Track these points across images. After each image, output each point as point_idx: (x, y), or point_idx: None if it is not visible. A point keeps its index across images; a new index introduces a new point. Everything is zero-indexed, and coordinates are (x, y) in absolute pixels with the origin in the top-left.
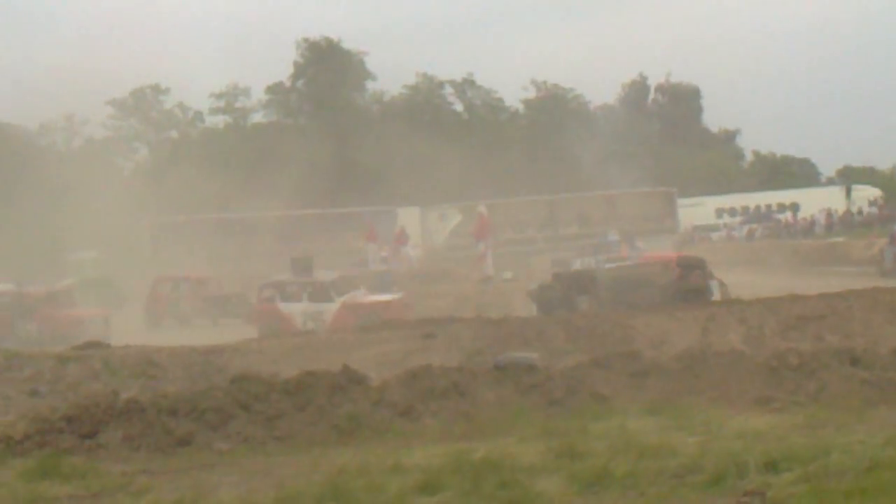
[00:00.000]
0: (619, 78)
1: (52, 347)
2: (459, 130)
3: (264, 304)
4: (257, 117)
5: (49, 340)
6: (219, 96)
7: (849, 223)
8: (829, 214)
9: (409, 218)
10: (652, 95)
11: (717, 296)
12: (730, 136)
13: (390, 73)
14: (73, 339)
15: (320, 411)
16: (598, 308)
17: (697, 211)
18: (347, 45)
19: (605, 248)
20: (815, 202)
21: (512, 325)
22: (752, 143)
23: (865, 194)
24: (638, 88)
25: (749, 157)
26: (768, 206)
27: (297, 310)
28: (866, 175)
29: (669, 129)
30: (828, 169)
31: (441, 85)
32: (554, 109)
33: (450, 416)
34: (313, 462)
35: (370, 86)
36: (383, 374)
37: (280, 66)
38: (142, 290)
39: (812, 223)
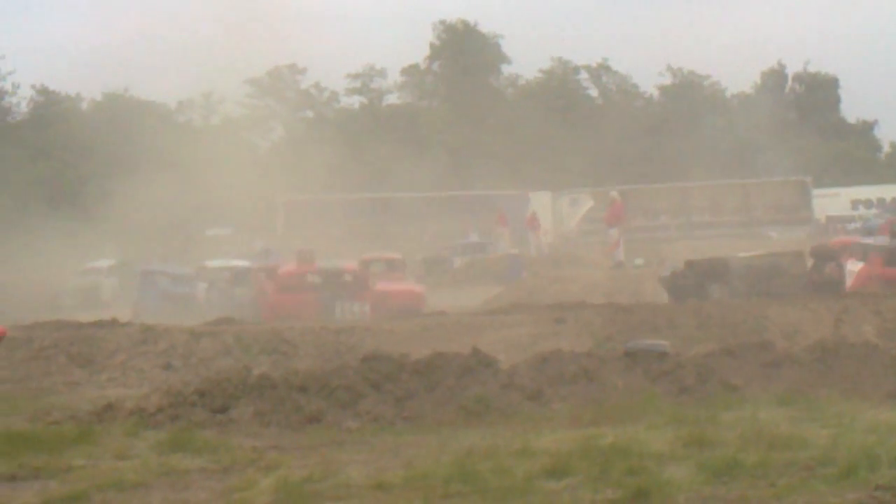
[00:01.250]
0: (757, 66)
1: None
2: (593, 116)
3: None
4: (392, 99)
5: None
6: (355, 77)
7: None
8: None
9: (540, 203)
10: (789, 84)
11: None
12: (867, 127)
13: (525, 57)
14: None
15: (449, 392)
16: (730, 297)
17: (832, 202)
18: (483, 28)
19: None
20: None
21: (643, 312)
22: (890, 134)
23: None
24: (775, 77)
25: (886, 148)
26: None
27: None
28: None
29: (806, 119)
30: None
31: (576, 70)
32: (689, 96)
33: (579, 401)
34: (441, 443)
35: (505, 69)
36: (513, 357)
37: (416, 48)
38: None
39: None
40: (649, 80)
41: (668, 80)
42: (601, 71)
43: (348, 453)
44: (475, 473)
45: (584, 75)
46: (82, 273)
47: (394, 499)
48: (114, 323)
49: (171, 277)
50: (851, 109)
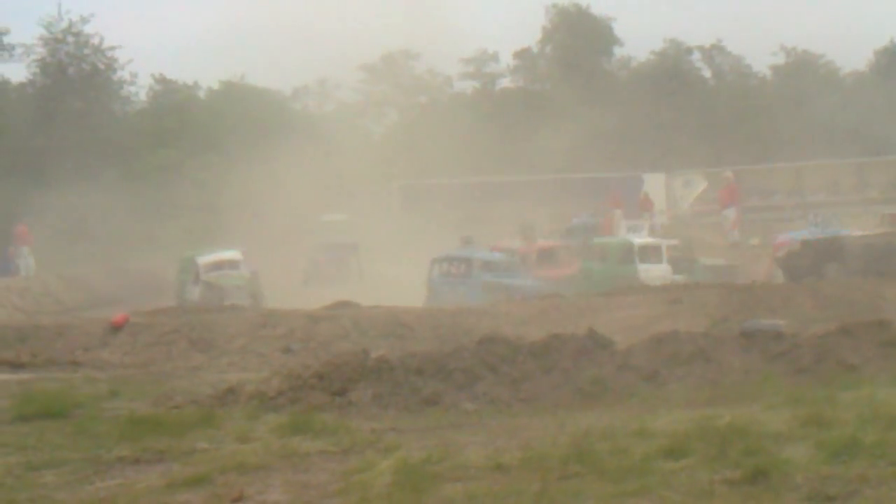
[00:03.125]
0: (871, 44)
1: None
2: (706, 97)
3: None
4: (505, 82)
5: None
6: (468, 61)
7: None
8: None
9: (654, 184)
10: None
11: None
12: None
13: (638, 38)
14: None
15: (565, 374)
16: (847, 276)
17: None
18: (595, 10)
19: None
20: None
21: (759, 292)
22: None
23: None
24: (890, 55)
25: None
26: None
27: None
28: None
29: None
30: None
31: (689, 51)
32: (803, 76)
33: (695, 381)
34: (558, 424)
35: (617, 51)
36: (629, 338)
37: (528, 32)
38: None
39: None
40: (763, 60)
41: (781, 60)
42: (714, 51)
43: (466, 435)
44: (592, 454)
45: (696, 56)
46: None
47: (512, 480)
48: (233, 308)
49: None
50: None
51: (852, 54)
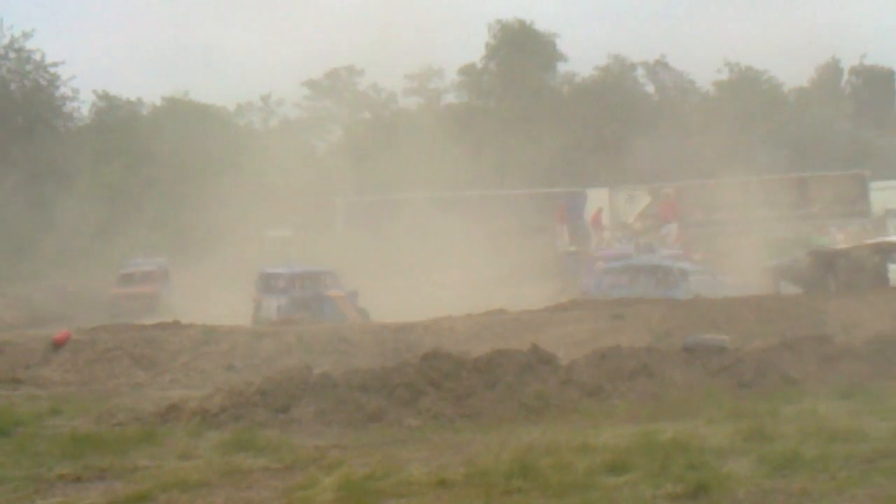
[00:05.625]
0: (812, 61)
1: None
2: (650, 112)
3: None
4: (449, 98)
5: None
6: (412, 77)
7: None
8: None
9: (597, 199)
10: (845, 78)
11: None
12: None
13: (581, 54)
14: None
15: (509, 389)
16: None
17: (890, 195)
18: (539, 26)
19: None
20: None
21: (701, 307)
22: None
23: None
24: (831, 71)
25: None
26: None
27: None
28: None
29: (863, 112)
30: None
31: (633, 67)
32: (746, 91)
33: (638, 396)
34: (502, 439)
35: (561, 67)
36: (572, 353)
37: (473, 48)
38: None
39: None
40: (706, 76)
41: (724, 76)
42: (657, 67)
43: (409, 451)
44: (535, 469)
45: (640, 72)
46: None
47: (455, 496)
48: (176, 325)
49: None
50: None
51: (795, 70)
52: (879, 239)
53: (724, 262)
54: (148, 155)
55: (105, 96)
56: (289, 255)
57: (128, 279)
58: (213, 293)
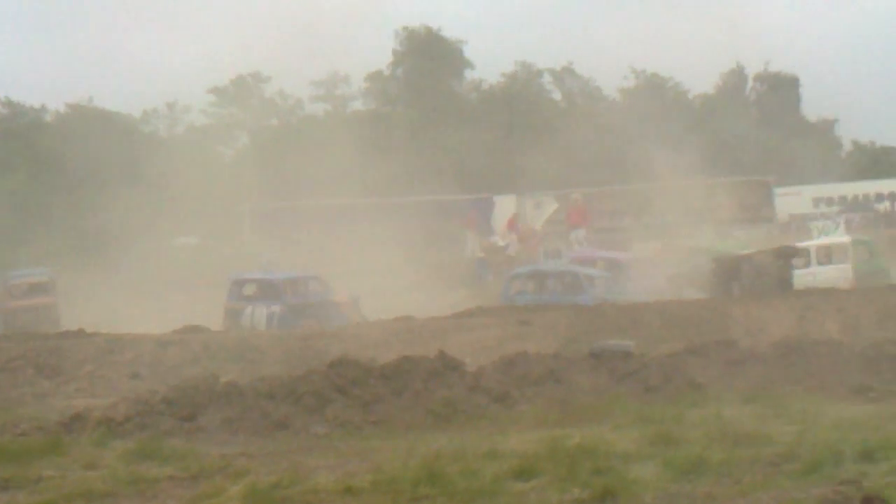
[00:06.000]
0: (718, 67)
1: None
2: (557, 119)
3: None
4: (357, 105)
5: None
6: (319, 84)
7: None
8: None
9: (505, 206)
10: (750, 85)
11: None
12: (828, 126)
13: (488, 61)
14: None
15: (417, 396)
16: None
17: (794, 200)
18: (446, 33)
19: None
20: None
21: (607, 313)
22: (851, 132)
23: None
24: (736, 77)
25: (848, 146)
26: (866, 196)
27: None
28: None
29: (767, 118)
30: None
31: (539, 73)
32: (652, 98)
33: (545, 402)
34: (409, 446)
35: (468, 74)
36: (479, 360)
37: (379, 55)
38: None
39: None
40: (613, 83)
41: (631, 83)
42: (564, 74)
43: (316, 459)
44: (443, 476)
45: (547, 78)
46: None
47: (362, 503)
48: (80, 333)
49: None
50: (812, 108)
51: (700, 77)
52: (782, 244)
53: (631, 268)
54: (52, 162)
55: (8, 103)
56: (264, 260)
57: (19, 290)
58: (118, 301)
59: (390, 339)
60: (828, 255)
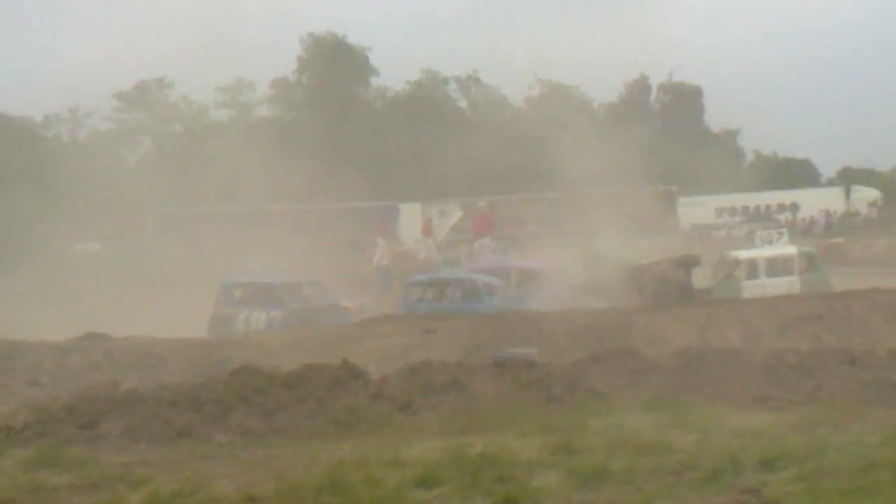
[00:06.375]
0: (622, 76)
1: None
2: (462, 127)
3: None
4: (261, 111)
5: None
6: (223, 90)
7: (848, 224)
8: (829, 215)
9: (410, 214)
10: (654, 94)
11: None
12: (731, 136)
13: (394, 69)
14: None
15: (319, 404)
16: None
17: (697, 210)
18: (352, 40)
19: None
20: (815, 203)
21: (511, 321)
22: (753, 143)
23: (865, 195)
24: (640, 87)
25: (750, 156)
26: (768, 206)
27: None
28: (866, 176)
29: (671, 128)
30: (828, 170)
31: (445, 81)
32: (557, 107)
33: (449, 410)
34: (312, 455)
35: (374, 81)
36: (383, 368)
37: (285, 61)
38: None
39: (811, 223)
40: (518, 92)
41: (536, 91)
42: (470, 82)
43: (218, 467)
44: (346, 485)
45: (452, 87)
46: None
47: None
48: None
49: None
50: (715, 118)
51: (604, 87)
52: (684, 253)
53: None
54: None
55: None
56: (255, 264)
57: None
58: (18, 308)
59: (293, 346)
60: (774, 267)
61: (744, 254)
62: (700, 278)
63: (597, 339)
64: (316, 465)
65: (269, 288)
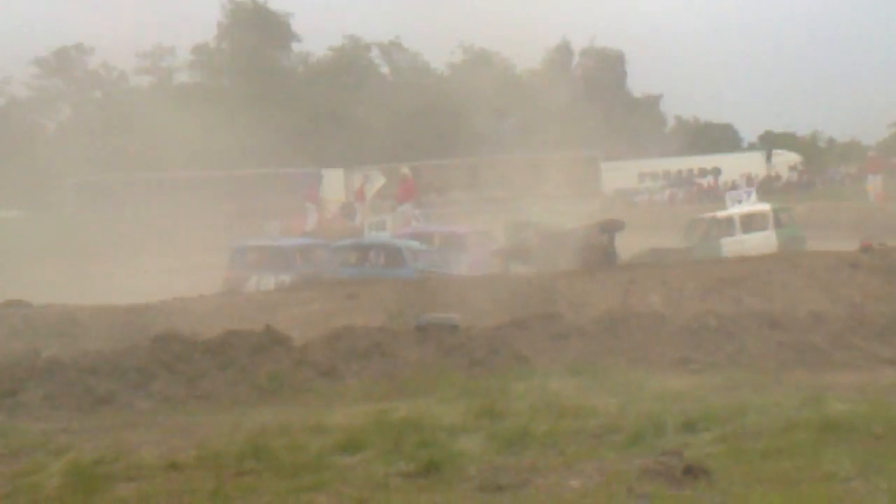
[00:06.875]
0: (545, 42)
1: None
2: (385, 93)
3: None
4: (182, 78)
5: None
6: (144, 56)
7: (769, 188)
8: (750, 179)
9: (333, 180)
10: (576, 60)
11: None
12: (653, 101)
13: (316, 34)
14: None
15: (242, 371)
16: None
17: (620, 175)
18: (273, 6)
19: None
20: (736, 167)
21: (434, 287)
22: (675, 108)
23: (785, 159)
24: (562, 53)
25: (672, 121)
26: (690, 171)
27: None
28: (786, 141)
29: (593, 94)
30: (749, 134)
31: (368, 47)
32: (480, 73)
33: (372, 375)
34: (235, 421)
35: (295, 47)
36: (306, 334)
37: (205, 27)
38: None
39: (733, 188)
40: (441, 58)
41: (458, 57)
42: (392, 48)
43: (140, 434)
44: (268, 451)
45: (375, 53)
46: None
47: (186, 478)
48: None
49: None
50: (637, 84)
51: (527, 53)
52: (607, 218)
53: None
54: None
55: None
56: (270, 227)
57: None
58: None
59: (215, 313)
60: (750, 223)
61: (720, 213)
62: (672, 241)
63: (519, 303)
64: (238, 432)
65: (279, 251)
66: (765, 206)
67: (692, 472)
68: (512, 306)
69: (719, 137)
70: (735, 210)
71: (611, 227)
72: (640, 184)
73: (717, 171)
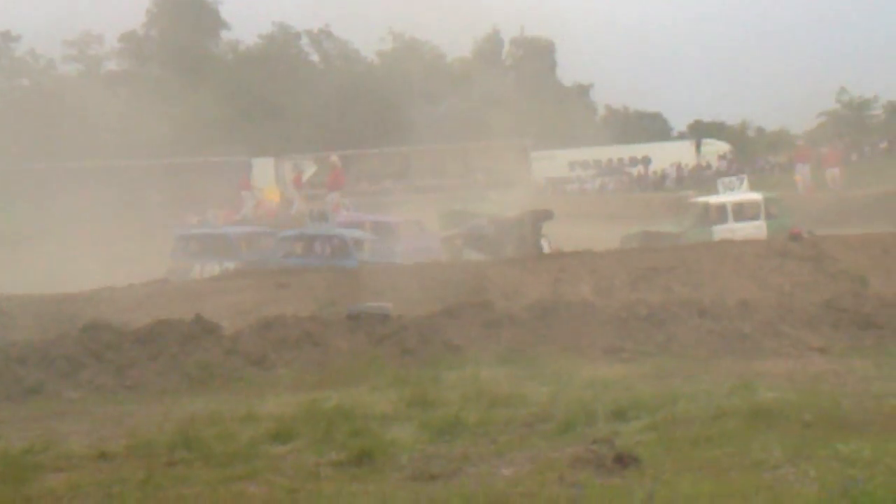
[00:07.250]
0: (475, 31)
1: None
2: (315, 82)
3: None
4: (110, 65)
5: None
6: (71, 44)
7: (698, 177)
8: (680, 168)
9: (263, 169)
10: (507, 49)
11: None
12: (583, 91)
13: (245, 22)
14: None
15: (172, 360)
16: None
17: (550, 164)
18: None
19: None
20: (666, 156)
21: (365, 275)
22: (605, 97)
23: (715, 149)
24: (492, 42)
25: (602, 111)
26: (620, 160)
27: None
28: (716, 130)
29: (524, 83)
30: (679, 123)
31: (297, 35)
32: (410, 61)
33: (303, 365)
34: (165, 411)
35: (225, 35)
36: (236, 323)
37: (134, 14)
38: None
39: (663, 177)
40: (371, 46)
41: (388, 46)
42: (322, 36)
43: (69, 424)
44: (199, 440)
45: (305, 41)
46: None
47: (116, 468)
48: None
49: None
50: (568, 73)
51: (457, 41)
52: (536, 207)
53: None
54: None
55: None
56: (207, 215)
57: None
58: None
59: (145, 302)
60: (742, 212)
61: (713, 199)
62: (664, 224)
63: (451, 292)
64: (169, 421)
65: (223, 239)
66: (757, 196)
67: (623, 460)
68: (443, 295)
69: (649, 126)
70: (728, 198)
71: (540, 217)
72: (570, 172)
73: (647, 160)
